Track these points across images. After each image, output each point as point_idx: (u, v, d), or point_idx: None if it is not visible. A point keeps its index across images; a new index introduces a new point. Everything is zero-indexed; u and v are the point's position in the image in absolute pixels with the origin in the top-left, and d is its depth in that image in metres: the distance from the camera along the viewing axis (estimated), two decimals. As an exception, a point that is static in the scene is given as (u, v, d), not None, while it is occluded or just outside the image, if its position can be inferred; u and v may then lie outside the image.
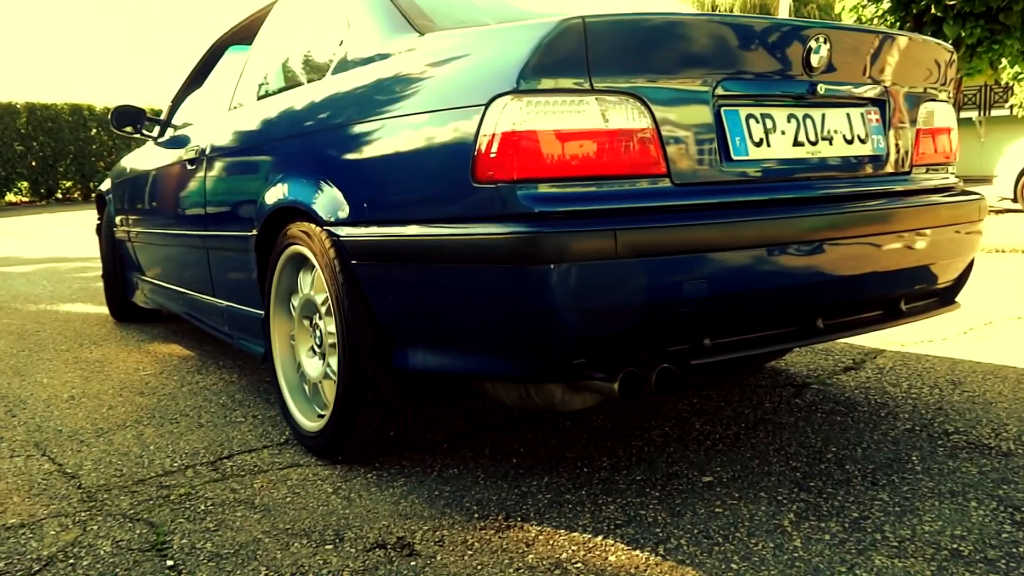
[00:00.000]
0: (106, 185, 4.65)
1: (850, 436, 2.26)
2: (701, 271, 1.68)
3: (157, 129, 3.74)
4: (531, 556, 1.64)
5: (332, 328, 2.13)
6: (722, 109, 1.80)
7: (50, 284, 6.23)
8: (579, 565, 1.60)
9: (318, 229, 2.08)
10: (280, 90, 2.62)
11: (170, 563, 1.66)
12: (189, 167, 3.09)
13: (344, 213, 2.00)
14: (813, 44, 1.87)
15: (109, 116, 3.87)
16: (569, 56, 1.61)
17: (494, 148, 1.61)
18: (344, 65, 2.24)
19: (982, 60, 10.42)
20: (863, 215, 1.96)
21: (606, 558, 1.63)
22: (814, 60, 1.88)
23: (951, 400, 2.56)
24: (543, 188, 1.61)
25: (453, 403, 2.66)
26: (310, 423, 2.28)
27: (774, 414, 2.47)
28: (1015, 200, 9.88)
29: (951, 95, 2.35)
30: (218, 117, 3.04)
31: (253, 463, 2.21)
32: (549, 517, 1.82)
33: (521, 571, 1.58)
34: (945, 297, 2.31)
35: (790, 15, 9.29)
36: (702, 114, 1.76)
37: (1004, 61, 10.82)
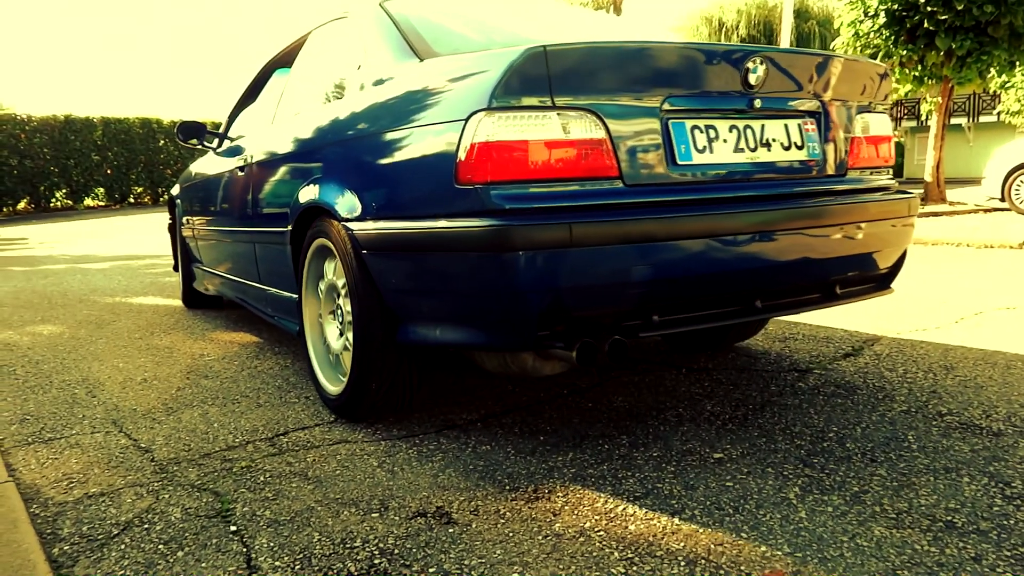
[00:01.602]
0: (176, 190, 4.83)
1: (850, 417, 2.23)
2: (647, 259, 1.81)
3: (216, 141, 3.86)
4: (558, 525, 1.64)
5: (349, 307, 2.28)
6: (669, 121, 1.92)
7: (124, 279, 6.32)
8: (601, 533, 1.59)
9: (338, 224, 2.23)
10: (310, 108, 2.78)
11: (233, 528, 1.68)
12: (239, 174, 3.27)
13: (357, 211, 2.15)
14: (750, 65, 1.99)
15: (175, 130, 3.99)
16: (533, 79, 1.75)
17: (472, 156, 1.77)
18: (361, 86, 2.40)
19: (971, 70, 10.20)
20: (795, 211, 2.06)
21: (626, 527, 1.62)
22: (752, 79, 2.00)
23: (944, 384, 2.52)
24: (512, 189, 1.76)
25: (485, 386, 2.66)
26: (333, 388, 2.46)
27: (779, 396, 2.44)
28: (1002, 199, 9.67)
29: (887, 107, 2.43)
30: (262, 131, 3.22)
31: (306, 439, 2.23)
32: (574, 489, 1.81)
33: (549, 538, 1.58)
34: (881, 283, 2.42)
35: (792, 32, 9.17)
36: (651, 126, 1.89)
37: (992, 71, 10.58)
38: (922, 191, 11.44)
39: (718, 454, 1.99)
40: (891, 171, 2.45)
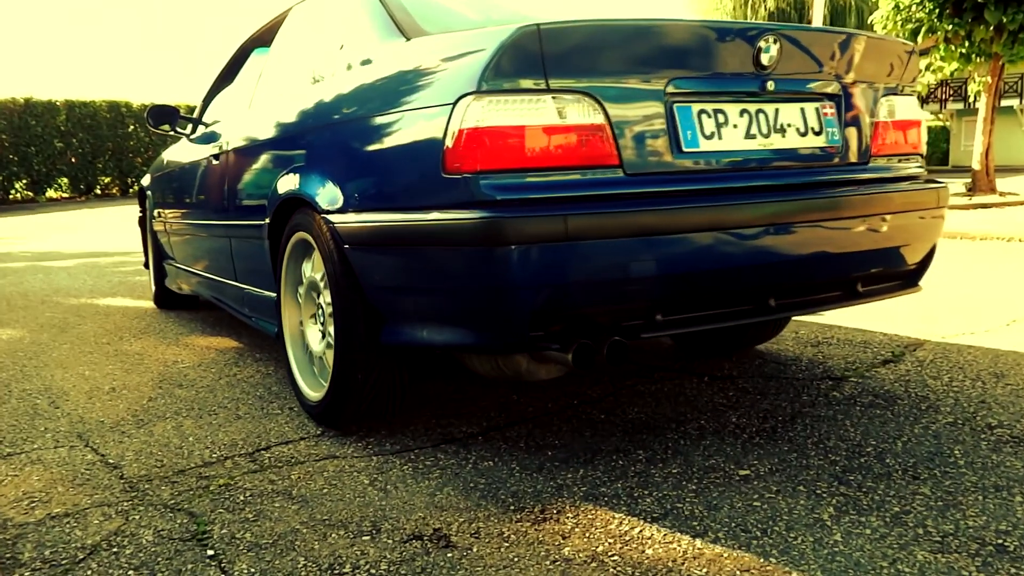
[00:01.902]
0: (146, 180, 4.89)
1: (890, 430, 2.23)
2: (650, 253, 1.83)
3: (190, 127, 3.89)
4: (567, 549, 1.64)
5: (330, 307, 2.32)
6: (674, 105, 1.94)
7: (90, 278, 6.34)
8: (616, 558, 1.59)
9: (318, 216, 2.26)
10: (289, 91, 2.81)
11: (210, 552, 1.68)
12: (214, 163, 3.32)
13: (339, 203, 2.19)
14: (763, 44, 2.00)
15: (145, 115, 4.02)
16: (526, 59, 1.77)
17: (460, 143, 1.79)
18: (343, 68, 2.44)
19: (1024, 47, 10.18)
20: (812, 202, 2.08)
21: (643, 551, 1.62)
22: (764, 59, 2.01)
23: (994, 393, 2.51)
24: (503, 179, 1.78)
25: (487, 396, 2.67)
26: (314, 394, 2.49)
27: (812, 407, 2.44)
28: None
29: (915, 89, 2.44)
30: (239, 116, 3.27)
31: (290, 454, 2.23)
32: (585, 510, 1.81)
33: (557, 563, 1.58)
34: (908, 280, 2.43)
35: (825, 5, 9.17)
36: (654, 110, 1.91)
37: (1048, 47, 10.55)
38: (969, 180, 11.42)
39: (744, 471, 1.99)
40: (921, 158, 2.46)
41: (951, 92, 25.95)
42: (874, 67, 2.29)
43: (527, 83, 1.78)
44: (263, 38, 3.55)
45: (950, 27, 10.34)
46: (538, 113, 1.78)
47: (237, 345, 3.67)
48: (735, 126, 2.03)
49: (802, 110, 2.14)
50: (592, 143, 1.83)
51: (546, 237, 1.73)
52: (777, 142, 2.09)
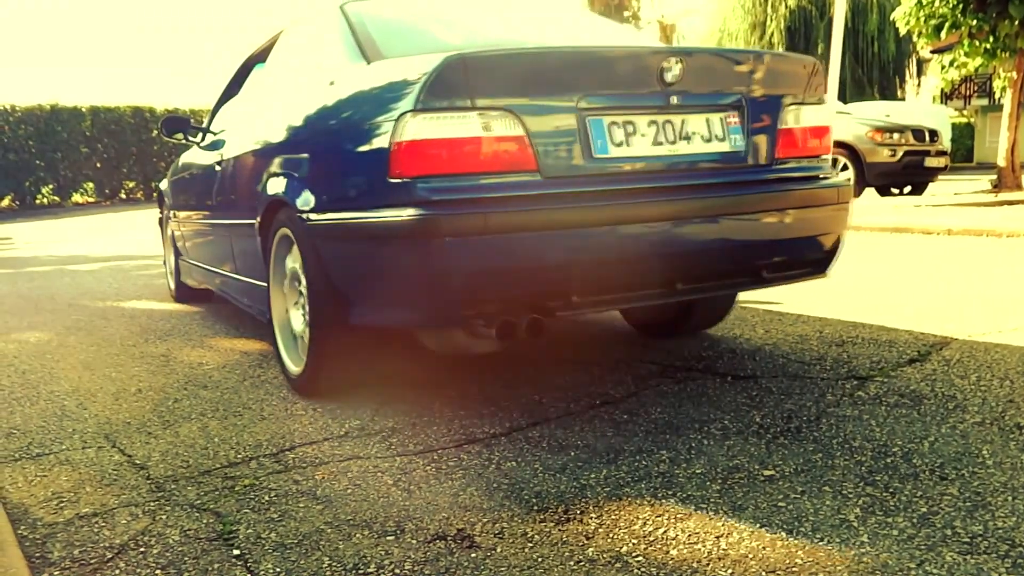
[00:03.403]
0: (164, 184, 5.31)
1: (916, 429, 2.21)
2: (562, 244, 2.15)
3: (200, 135, 4.22)
4: (591, 549, 1.63)
5: (307, 292, 2.64)
6: (587, 118, 2.24)
7: (115, 281, 6.41)
8: (640, 559, 1.59)
9: (296, 215, 2.61)
10: (275, 107, 3.19)
11: (236, 552, 1.69)
12: (217, 168, 3.71)
13: (312, 204, 2.53)
14: (666, 65, 2.30)
15: (160, 125, 4.37)
16: (454, 83, 2.10)
17: (401, 153, 2.12)
18: (316, 87, 2.80)
19: (1050, 42, 10.02)
20: (713, 199, 2.39)
21: (667, 552, 1.61)
22: (668, 77, 2.31)
23: (1023, 392, 2.48)
24: (437, 183, 2.10)
25: (510, 396, 2.67)
26: (295, 368, 2.86)
27: (837, 407, 2.42)
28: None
29: (821, 99, 2.71)
30: (237, 126, 3.66)
31: (314, 455, 2.24)
32: (608, 510, 1.81)
33: (581, 564, 1.58)
34: (815, 268, 2.70)
35: (847, 4, 9.09)
36: (568, 123, 2.22)
37: (1074, 42, 10.38)
38: (995, 177, 11.27)
39: (768, 471, 1.98)
40: (828, 160, 2.75)
41: (975, 88, 25.64)
42: (778, 81, 2.59)
43: (456, 102, 2.10)
44: (262, 55, 3.92)
45: (974, 22, 10.20)
46: (465, 127, 2.10)
47: (261, 347, 3.69)
48: (643, 135, 2.32)
49: (707, 120, 2.42)
50: (513, 152, 2.14)
51: (470, 231, 2.05)
52: (683, 148, 2.38)
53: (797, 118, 2.60)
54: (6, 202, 20.15)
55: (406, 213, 2.08)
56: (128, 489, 2.07)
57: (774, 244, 2.53)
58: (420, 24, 3.00)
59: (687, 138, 2.38)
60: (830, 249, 2.67)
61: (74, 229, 13.51)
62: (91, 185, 21.51)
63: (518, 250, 2.10)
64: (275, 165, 2.89)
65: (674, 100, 2.33)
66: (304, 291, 2.71)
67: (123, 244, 9.94)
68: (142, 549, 1.73)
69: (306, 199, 2.56)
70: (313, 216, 2.50)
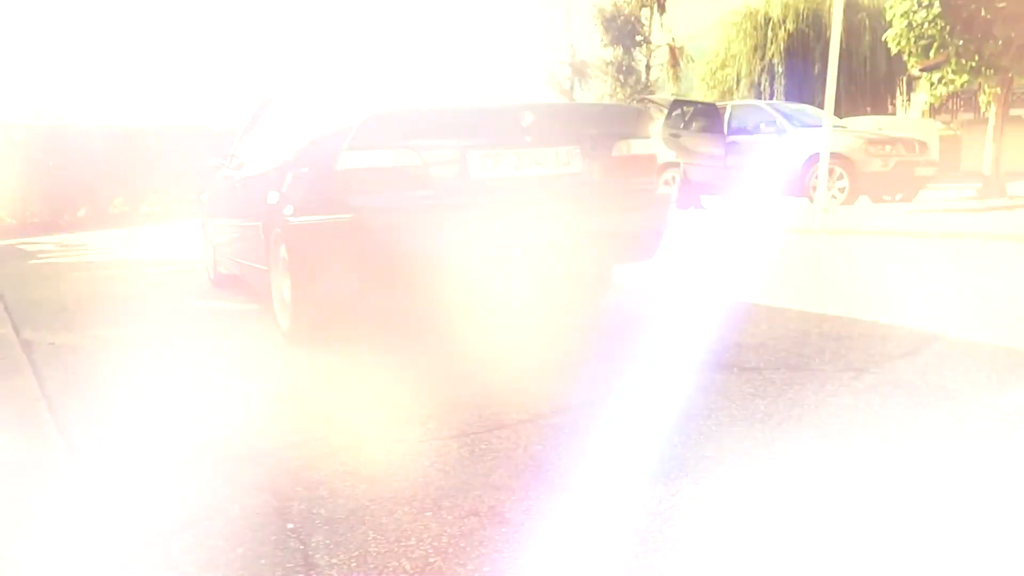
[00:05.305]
0: (204, 195, 6.57)
1: (910, 417, 2.18)
2: (445, 238, 2.94)
3: (229, 159, 5.02)
4: (609, 524, 1.63)
5: (292, 271, 3.38)
6: (467, 152, 3.02)
7: (181, 279, 6.47)
8: (656, 533, 1.58)
9: (284, 218, 3.35)
10: (272, 141, 4.04)
11: (290, 526, 1.71)
12: (236, 184, 4.63)
13: (292, 211, 3.29)
14: (521, 115, 3.09)
15: (205, 162, 5.60)
16: (374, 131, 2.92)
17: (341, 176, 2.93)
18: (292, 132, 3.67)
19: (1033, 60, 9.84)
20: (557, 205, 3.13)
21: (679, 528, 1.60)
22: (524, 123, 3.09)
23: (1009, 381, 2.43)
24: (363, 197, 2.91)
25: (535, 386, 2.67)
26: (285, 324, 3.57)
27: (836, 396, 2.40)
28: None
29: (648, 135, 3.53)
30: (252, 153, 4.51)
31: (359, 439, 2.26)
32: (626, 490, 1.80)
33: (601, 537, 1.57)
34: (644, 253, 3.55)
35: (842, 25, 8.99)
36: (454, 155, 3.02)
37: (1056, 60, 10.18)
38: (980, 185, 11.09)
39: (772, 454, 1.96)
40: (652, 178, 3.61)
41: (961, 103, 25.22)
42: (612, 123, 3.43)
43: (376, 142, 2.91)
44: (273, 97, 4.72)
45: (961, 43, 10.05)
46: (384, 159, 2.91)
47: (310, 346, 3.71)
48: (507, 162, 3.09)
49: (556, 151, 3.19)
50: (415, 176, 2.95)
51: (384, 228, 2.89)
52: (536, 171, 3.15)
53: (628, 148, 3.36)
54: (82, 213, 20.45)
55: (342, 216, 2.91)
56: (193, 467, 2.09)
57: (607, 236, 3.29)
58: (361, 91, 4.00)
59: (540, 164, 3.15)
60: (654, 240, 3.48)
61: (143, 236, 13.68)
62: (158, 197, 21.76)
63: (415, 239, 2.89)
64: (271, 184, 3.68)
65: (529, 139, 3.09)
66: (289, 271, 3.43)
67: (187, 249, 10.04)
68: (207, 522, 1.74)
69: (288, 207, 3.32)
70: (293, 219, 3.26)
